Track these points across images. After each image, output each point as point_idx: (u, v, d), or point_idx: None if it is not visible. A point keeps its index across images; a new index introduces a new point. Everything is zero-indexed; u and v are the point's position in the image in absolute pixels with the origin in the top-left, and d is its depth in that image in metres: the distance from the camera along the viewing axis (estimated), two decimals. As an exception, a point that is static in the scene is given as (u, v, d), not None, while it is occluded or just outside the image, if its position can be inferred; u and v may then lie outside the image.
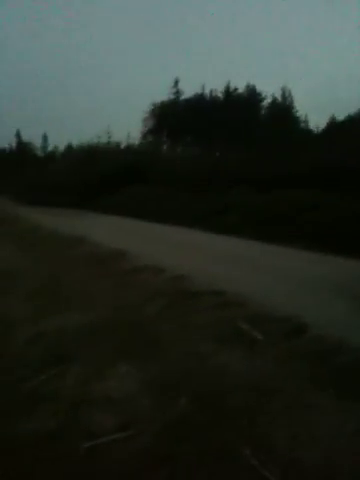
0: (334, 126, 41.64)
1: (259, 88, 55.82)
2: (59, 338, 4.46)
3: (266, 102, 56.30)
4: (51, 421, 2.98)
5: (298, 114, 53.16)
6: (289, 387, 3.48)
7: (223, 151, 27.20)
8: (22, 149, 74.90)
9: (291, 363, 3.94)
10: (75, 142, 50.72)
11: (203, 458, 2.61)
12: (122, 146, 38.29)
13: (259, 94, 56.28)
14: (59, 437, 2.79)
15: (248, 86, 56.33)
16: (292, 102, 54.18)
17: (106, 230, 15.23)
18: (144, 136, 54.87)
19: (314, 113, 72.31)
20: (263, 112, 55.64)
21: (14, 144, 78.33)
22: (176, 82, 55.66)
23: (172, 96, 56.08)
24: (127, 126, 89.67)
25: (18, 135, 77.82)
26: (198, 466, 2.54)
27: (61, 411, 3.11)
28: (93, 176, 27.93)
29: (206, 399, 3.24)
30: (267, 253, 10.51)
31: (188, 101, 55.15)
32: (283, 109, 51.82)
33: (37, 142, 75.86)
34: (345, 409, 3.19)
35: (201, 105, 52.50)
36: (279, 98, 55.08)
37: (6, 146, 78.19)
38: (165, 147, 54.43)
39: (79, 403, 3.22)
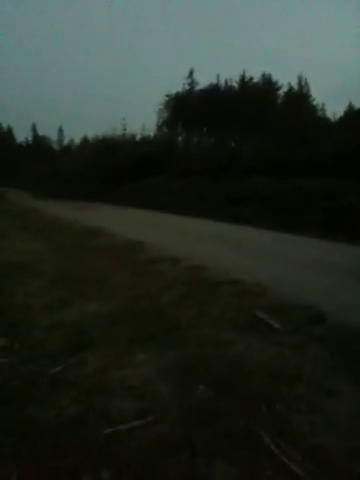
0: (352, 114, 41.01)
1: (275, 77, 55.35)
2: (79, 326, 4.51)
3: (282, 91, 55.78)
4: (72, 408, 3.02)
5: (315, 102, 52.55)
6: (308, 373, 3.48)
7: (239, 141, 27.01)
8: (38, 143, 75.41)
9: (310, 350, 3.94)
10: (91, 135, 50.94)
11: (223, 444, 2.63)
12: (137, 138, 38.22)
13: (275, 83, 55.76)
14: (80, 423, 2.83)
15: (264, 75, 55.86)
16: (309, 91, 53.58)
17: (122, 222, 15.27)
18: (159, 128, 54.78)
19: (331, 101, 71.30)
20: (279, 101, 55.08)
21: (30, 138, 79.01)
22: (191, 73, 55.44)
23: (187, 87, 55.85)
24: (142, 118, 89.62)
25: (34, 129, 78.43)
26: (218, 452, 2.55)
27: (81, 398, 3.14)
28: (109, 168, 27.98)
29: (225, 385, 3.25)
30: (284, 243, 10.44)
31: (203, 91, 54.84)
32: (299, 98, 51.17)
33: (53, 136, 76.35)
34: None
35: (216, 95, 52.17)
36: (295, 87, 54.51)
37: (23, 140, 78.89)
38: (180, 138, 54.24)
39: (99, 390, 3.26)
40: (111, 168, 27.69)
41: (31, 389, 3.25)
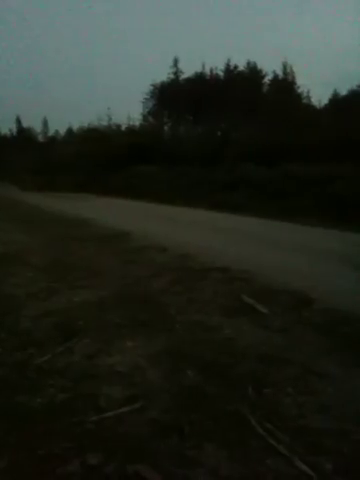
0: (337, 101, 41.17)
1: (260, 65, 55.17)
2: (67, 315, 4.49)
3: (267, 79, 55.64)
4: (60, 396, 3.00)
5: (300, 90, 52.49)
6: (296, 357, 3.50)
7: (226, 129, 26.96)
8: (23, 134, 74.62)
9: (298, 333, 3.97)
10: (75, 126, 50.57)
11: (211, 428, 2.63)
12: (123, 128, 38.02)
13: (260, 71, 55.58)
14: (68, 410, 2.81)
15: (248, 63, 55.66)
16: (294, 78, 53.46)
17: (111, 212, 15.25)
18: (145, 117, 54.49)
19: (317, 89, 71.34)
20: (265, 89, 54.96)
21: (15, 130, 78.15)
22: (176, 62, 55.00)
23: (172, 76, 55.49)
24: (127, 108, 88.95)
25: (18, 121, 77.55)
26: (206, 435, 2.56)
27: (69, 386, 3.12)
28: (97, 158, 27.83)
29: (214, 370, 3.27)
30: (274, 229, 10.50)
31: (188, 80, 54.56)
32: (285, 85, 51.08)
33: (37, 127, 75.62)
34: (352, 377, 3.20)
35: (202, 84, 51.94)
36: (280, 74, 54.37)
37: (7, 132, 78.04)
38: (166, 128, 54.01)
39: (87, 377, 3.24)
40: (99, 158, 27.56)
41: (19, 378, 3.23)
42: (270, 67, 54.75)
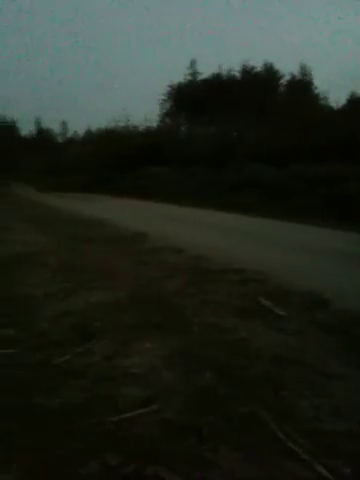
0: (354, 101, 40.71)
1: (277, 66, 54.94)
2: (84, 315, 4.54)
3: (284, 80, 55.38)
4: (78, 396, 3.03)
5: (317, 91, 52.11)
6: (311, 359, 3.50)
7: (241, 129, 26.89)
8: (42, 136, 75.33)
9: (313, 335, 3.96)
10: (94, 127, 50.87)
11: (228, 429, 2.64)
12: (140, 129, 38.13)
13: (277, 72, 55.35)
14: (86, 411, 2.84)
15: (265, 64, 55.45)
16: (311, 79, 53.14)
17: (125, 213, 15.32)
18: (162, 118, 54.62)
19: (335, 90, 70.60)
20: (281, 90, 54.72)
21: (34, 131, 78.97)
22: (193, 63, 55.09)
23: (189, 77, 55.54)
24: (145, 109, 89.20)
25: (38, 122, 78.34)
26: (223, 437, 2.57)
27: (88, 387, 3.16)
28: (111, 159, 27.99)
29: (229, 371, 3.28)
30: (285, 230, 10.47)
31: (205, 81, 54.55)
32: (302, 86, 50.80)
33: (56, 128, 76.28)
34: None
35: (218, 85, 51.86)
36: (298, 76, 54.07)
37: (27, 133, 78.86)
38: (183, 128, 54.06)
39: (105, 379, 3.27)
40: (114, 159, 27.73)
41: (38, 378, 3.27)
42: (288, 68, 54.33)
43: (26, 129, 78.64)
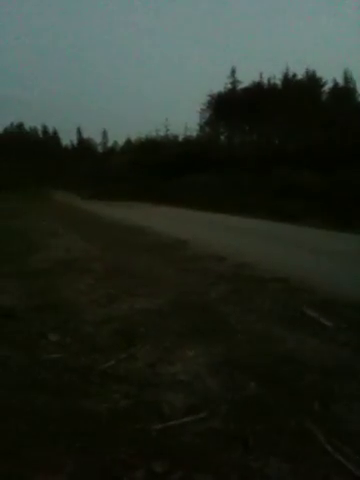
0: None
1: (319, 73, 54.20)
2: (128, 321, 4.56)
3: (327, 87, 54.58)
4: (123, 402, 3.04)
5: (361, 98, 51.12)
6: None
7: (283, 137, 26.69)
8: (83, 145, 77.01)
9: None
10: (134, 137, 51.56)
11: (276, 440, 2.58)
12: (180, 138, 38.43)
13: (319, 79, 54.60)
14: (131, 417, 2.84)
15: (307, 72, 54.82)
16: (355, 86, 52.17)
17: (166, 220, 15.40)
18: (201, 127, 54.81)
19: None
20: (324, 97, 53.92)
21: (75, 141, 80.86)
22: (233, 72, 55.05)
23: (229, 86, 55.52)
24: (185, 119, 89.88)
25: (79, 132, 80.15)
26: (271, 448, 2.52)
27: (133, 392, 3.16)
28: (152, 168, 28.24)
29: (276, 381, 3.22)
30: (331, 239, 10.27)
31: (246, 90, 54.38)
32: (345, 93, 49.93)
33: (97, 138, 77.79)
34: None
35: (259, 93, 51.62)
36: (341, 83, 53.20)
37: (68, 143, 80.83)
38: (223, 137, 54.06)
39: (150, 385, 3.27)
40: (155, 168, 27.97)
41: (83, 383, 3.30)
42: (331, 75, 53.51)
43: (67, 139, 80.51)
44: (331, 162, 16.48)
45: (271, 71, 61.40)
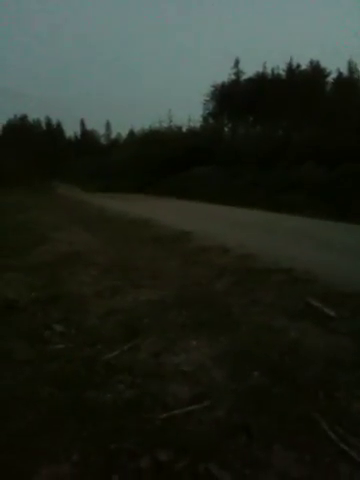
0: None
1: (323, 64, 53.83)
2: (132, 313, 4.57)
3: (331, 78, 54.18)
4: (128, 392, 3.05)
5: (365, 89, 50.71)
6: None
7: (287, 129, 26.55)
8: (86, 137, 76.95)
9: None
10: (137, 128, 51.47)
11: (279, 429, 2.60)
12: (184, 130, 38.29)
13: (323, 70, 54.22)
14: (136, 407, 2.86)
15: (311, 62, 54.44)
16: (359, 77, 51.76)
17: (171, 213, 15.39)
18: (205, 119, 54.57)
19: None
20: (328, 88, 53.56)
21: (79, 133, 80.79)
22: (237, 62, 54.70)
23: (233, 77, 55.20)
24: (188, 110, 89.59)
25: (82, 124, 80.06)
26: (275, 437, 2.53)
27: (137, 383, 3.17)
28: (156, 160, 28.18)
29: (280, 371, 3.23)
30: (334, 230, 10.25)
31: (249, 81, 54.07)
32: (350, 84, 49.57)
33: (101, 130, 77.68)
34: None
35: (263, 84, 51.32)
36: (345, 73, 52.83)
37: (71, 135, 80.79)
38: (227, 129, 53.82)
39: (154, 375, 3.28)
40: (158, 160, 27.91)
41: (88, 374, 3.31)
42: (335, 66, 53.21)
43: (71, 131, 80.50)
44: (336, 154, 16.37)
45: (275, 62, 60.86)
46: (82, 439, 2.52)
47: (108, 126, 77.05)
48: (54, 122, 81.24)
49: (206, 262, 6.95)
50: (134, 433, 2.57)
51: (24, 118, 78.87)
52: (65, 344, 3.86)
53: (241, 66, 54.80)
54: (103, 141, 76.66)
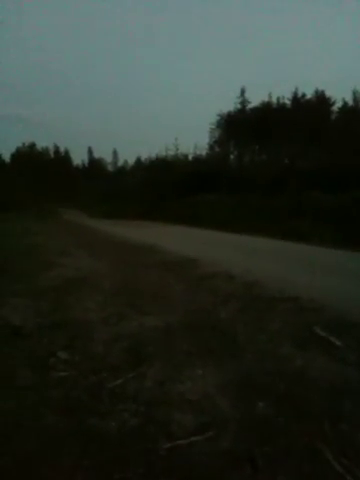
0: None
1: (328, 93, 54.60)
2: (137, 340, 4.55)
3: (336, 107, 54.89)
4: (132, 420, 3.03)
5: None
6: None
7: (292, 157, 26.76)
8: (94, 165, 77.98)
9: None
10: (144, 156, 52.06)
11: (285, 461, 2.56)
12: (190, 157, 38.68)
13: (329, 99, 54.96)
14: (140, 436, 2.84)
15: (317, 92, 55.23)
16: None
17: (176, 239, 15.43)
18: (211, 147, 55.22)
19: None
20: (333, 117, 54.19)
21: (86, 160, 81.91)
22: (242, 91, 55.61)
23: (239, 106, 56.03)
24: (195, 138, 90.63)
25: (90, 152, 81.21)
26: (280, 468, 2.50)
27: (141, 411, 3.15)
28: (162, 187, 28.41)
29: (286, 401, 3.20)
30: (340, 258, 10.21)
31: (255, 110, 54.85)
32: (355, 113, 50.14)
33: (108, 158, 78.70)
34: None
35: (268, 113, 52.02)
36: (350, 102, 53.51)
37: (79, 163, 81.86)
38: (232, 156, 54.36)
39: (158, 403, 3.26)
40: (165, 187, 28.13)
41: (92, 401, 3.30)
42: (340, 95, 53.95)
43: (78, 159, 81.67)
44: (342, 182, 16.46)
45: (280, 92, 61.78)
46: (85, 467, 2.50)
47: (115, 154, 78.08)
48: (62, 150, 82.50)
49: (211, 288, 6.92)
50: (138, 462, 2.54)
51: (33, 146, 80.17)
52: (69, 371, 3.84)
53: (247, 95, 55.67)
54: (110, 168, 77.56)
